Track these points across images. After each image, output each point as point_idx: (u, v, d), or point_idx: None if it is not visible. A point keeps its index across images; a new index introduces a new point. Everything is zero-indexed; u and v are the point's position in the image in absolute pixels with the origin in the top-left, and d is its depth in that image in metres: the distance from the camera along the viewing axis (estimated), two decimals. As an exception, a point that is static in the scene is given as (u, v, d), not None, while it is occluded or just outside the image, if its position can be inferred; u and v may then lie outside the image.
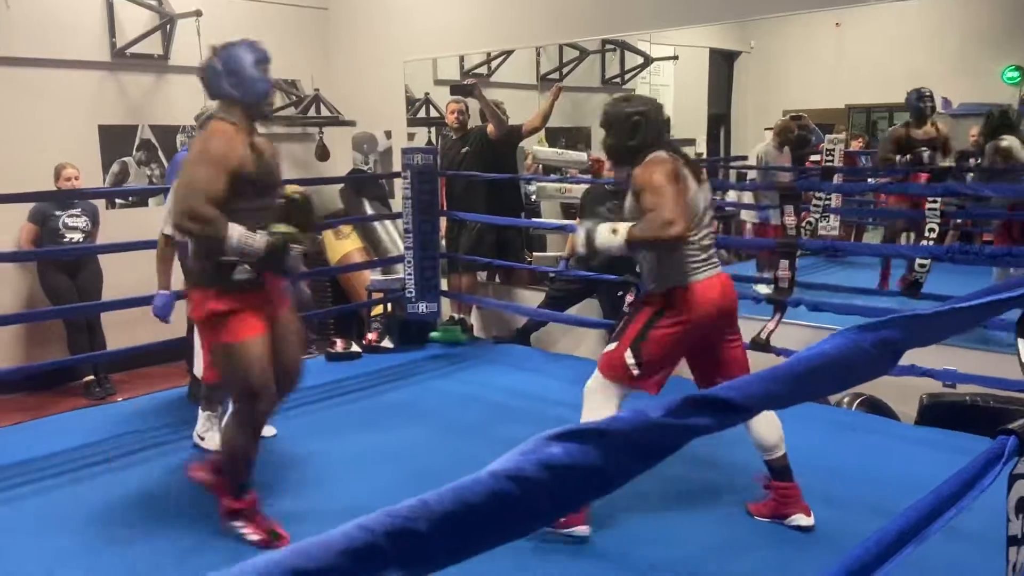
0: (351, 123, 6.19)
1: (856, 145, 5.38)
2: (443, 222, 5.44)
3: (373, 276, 5.71)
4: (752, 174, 5.72)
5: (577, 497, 0.69)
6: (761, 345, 3.88)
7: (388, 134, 6.34)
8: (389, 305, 5.45)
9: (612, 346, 2.72)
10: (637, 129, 2.66)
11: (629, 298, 4.52)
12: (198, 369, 3.66)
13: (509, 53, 6.03)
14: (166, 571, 2.64)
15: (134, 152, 5.61)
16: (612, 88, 6.43)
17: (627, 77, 6.36)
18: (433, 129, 6.40)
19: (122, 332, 5.13)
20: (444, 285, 5.52)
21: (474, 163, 5.39)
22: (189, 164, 2.49)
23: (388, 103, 6.24)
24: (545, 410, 4.11)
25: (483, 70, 6.21)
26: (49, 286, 5.05)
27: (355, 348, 5.26)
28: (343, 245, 6.19)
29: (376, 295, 5.50)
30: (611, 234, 2.59)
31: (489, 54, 6.13)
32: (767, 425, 2.68)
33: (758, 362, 3.93)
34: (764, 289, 4.32)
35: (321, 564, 0.51)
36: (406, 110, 6.28)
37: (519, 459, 0.66)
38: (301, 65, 6.37)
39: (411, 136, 6.33)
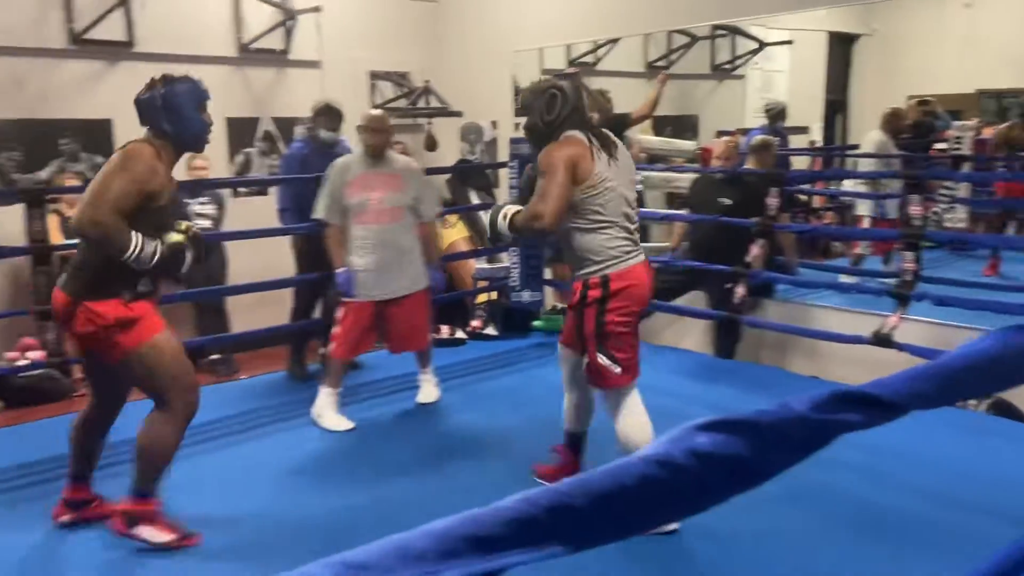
0: (458, 114, 6.29)
1: (988, 132, 5.09)
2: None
3: (478, 264, 5.81)
4: (865, 163, 5.51)
5: (723, 487, 0.70)
6: (883, 340, 3.74)
7: (494, 124, 6.41)
8: (493, 293, 5.53)
9: (584, 360, 2.77)
10: (553, 105, 2.64)
11: (739, 291, 4.44)
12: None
13: (616, 41, 5.98)
14: (309, 536, 2.79)
15: (256, 143, 5.89)
16: (722, 75, 6.29)
17: (738, 63, 6.22)
18: (539, 118, 6.43)
19: (244, 314, 5.41)
20: (548, 274, 5.56)
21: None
22: (106, 175, 2.48)
23: (495, 93, 6.31)
24: (649, 400, 4.05)
25: (590, 58, 6.19)
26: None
27: (460, 335, 5.37)
28: (449, 234, 6.31)
29: (481, 283, 5.59)
30: (503, 219, 2.71)
31: (596, 42, 6.10)
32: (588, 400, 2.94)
33: (880, 358, 3.83)
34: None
35: (491, 532, 0.55)
36: (513, 100, 6.33)
37: (668, 446, 0.68)
38: (412, 57, 6.51)
39: (517, 126, 6.38)
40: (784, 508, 2.79)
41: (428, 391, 4.20)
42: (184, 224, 2.72)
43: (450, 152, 6.62)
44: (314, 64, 6.02)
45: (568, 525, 0.60)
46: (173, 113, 2.59)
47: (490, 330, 5.42)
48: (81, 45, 5.04)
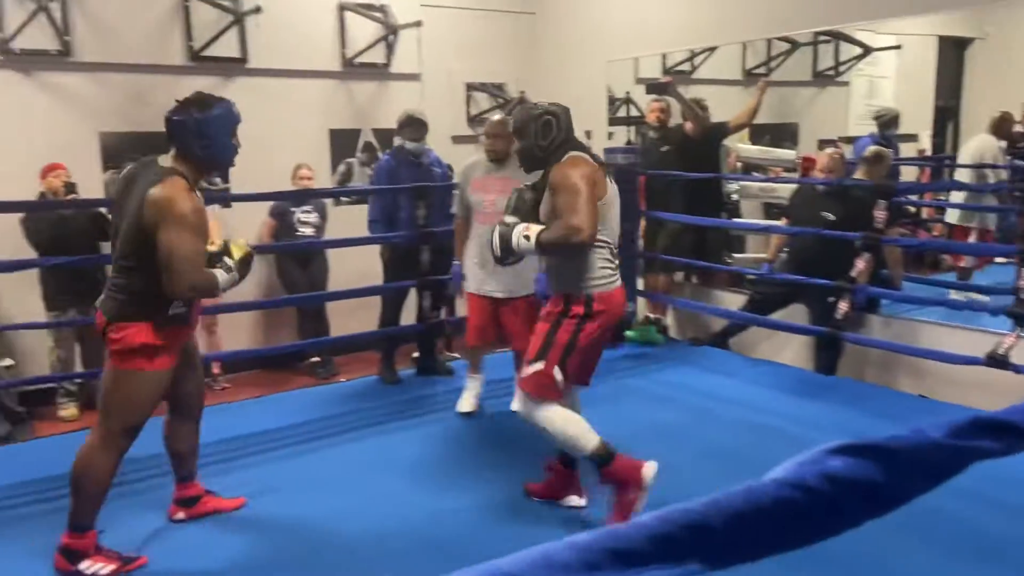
0: (553, 123, 6.34)
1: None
2: (641, 222, 5.45)
3: (571, 273, 5.82)
4: (966, 173, 5.27)
5: (857, 512, 0.71)
6: (999, 361, 3.56)
7: (588, 134, 6.42)
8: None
9: (539, 366, 2.73)
10: (548, 130, 2.67)
11: (842, 305, 4.31)
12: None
13: (714, 49, 5.91)
14: (409, 538, 2.87)
15: (358, 154, 6.08)
16: (824, 81, 6.13)
17: (842, 69, 6.04)
18: (632, 128, 6.42)
19: (344, 319, 5.59)
20: (640, 285, 5.53)
21: (673, 162, 5.36)
22: (170, 239, 2.47)
23: (589, 103, 6.32)
24: (747, 416, 4.02)
25: (686, 67, 6.14)
26: (285, 276, 5.61)
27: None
28: (542, 242, 6.36)
29: (574, 292, 5.60)
30: (524, 238, 2.65)
31: (692, 51, 6.04)
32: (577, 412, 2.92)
33: (993, 379, 3.65)
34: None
35: (632, 547, 0.57)
36: (607, 109, 6.34)
37: (800, 469, 0.69)
38: (508, 68, 6.61)
39: (610, 135, 6.38)
40: (901, 534, 2.71)
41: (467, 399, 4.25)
42: (228, 241, 2.83)
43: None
44: (414, 77, 6.18)
45: (705, 544, 0.61)
46: (206, 139, 2.58)
47: (582, 339, 5.42)
48: (199, 62, 5.33)
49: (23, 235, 4.54)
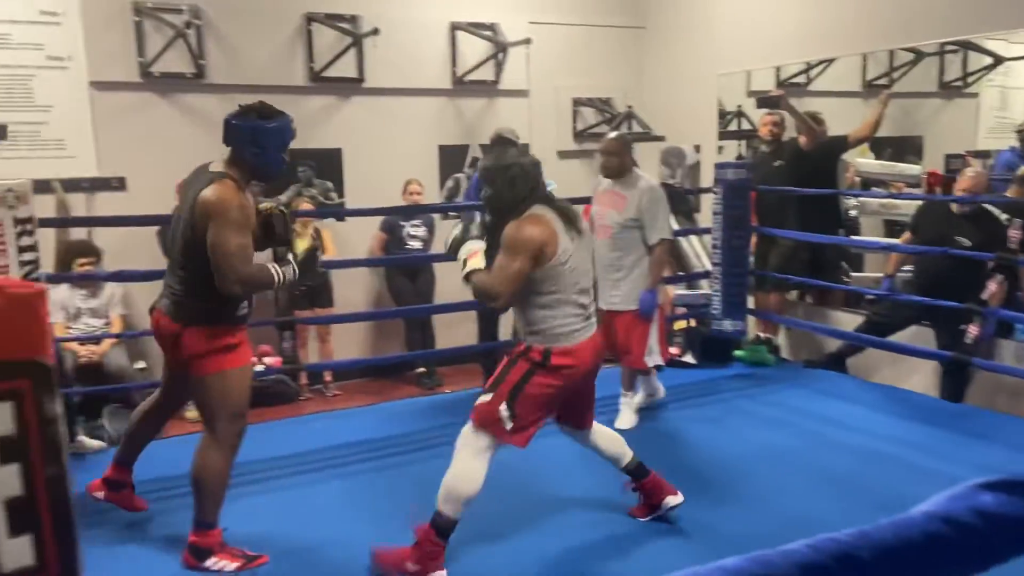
0: (661, 138, 6.27)
1: None
2: (752, 238, 5.31)
3: (677, 291, 5.73)
4: None
5: (1009, 548, 0.67)
6: None
7: (697, 148, 6.33)
8: (692, 320, 5.44)
9: (487, 397, 2.70)
10: (515, 184, 2.70)
11: (972, 329, 4.07)
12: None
13: (831, 61, 5.72)
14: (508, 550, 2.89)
15: (465, 169, 6.20)
16: (952, 92, 5.81)
17: (970, 80, 5.71)
18: (743, 142, 6.28)
19: (449, 331, 5.69)
20: (751, 303, 5.38)
21: (787, 177, 5.20)
22: (217, 237, 2.57)
23: (699, 117, 6.23)
24: (865, 443, 3.84)
25: (800, 79, 5.96)
26: (394, 288, 5.77)
27: (658, 361, 5.32)
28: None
29: (679, 310, 5.51)
30: (463, 259, 2.74)
31: (808, 62, 5.86)
32: (607, 440, 3.00)
33: None
34: None
35: (782, 574, 0.56)
36: (717, 123, 6.22)
37: (950, 503, 0.66)
38: (615, 83, 6.59)
39: (720, 149, 6.26)
40: None
41: (625, 416, 4.21)
42: (266, 205, 2.95)
43: (651, 176, 6.62)
44: (521, 93, 6.25)
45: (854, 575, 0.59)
46: (258, 147, 2.66)
47: (688, 358, 5.32)
48: (318, 82, 5.57)
49: (158, 246, 4.84)
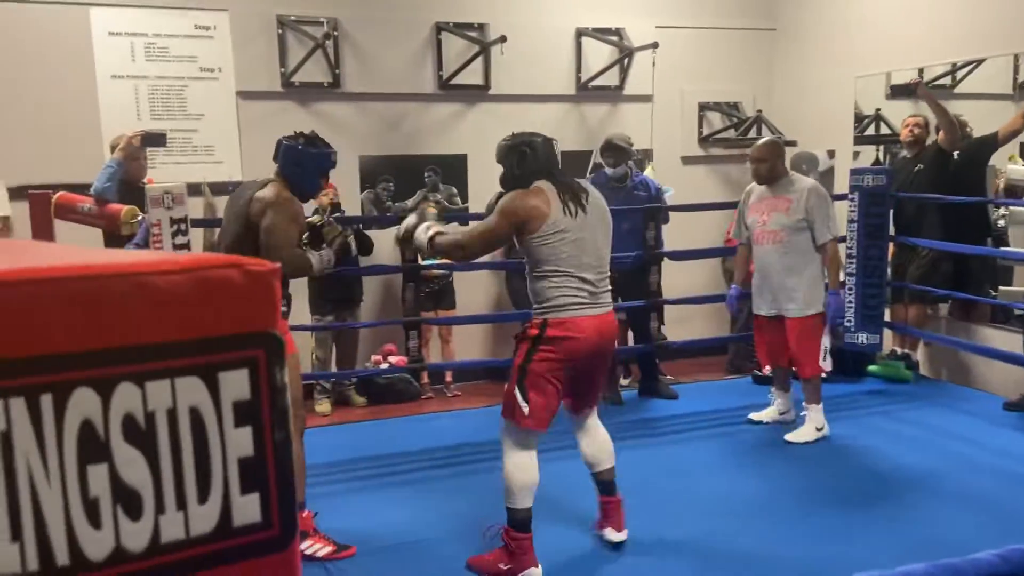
0: (792, 143, 6.06)
1: None
2: (891, 247, 5.05)
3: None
4: None
5: None
6: None
7: (831, 153, 6.08)
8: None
9: (507, 384, 2.77)
10: (523, 160, 2.75)
11: None
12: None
13: (979, 62, 5.36)
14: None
15: (588, 175, 6.19)
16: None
17: None
18: (882, 147, 5.98)
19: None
20: (887, 316, 5.12)
21: (928, 182, 4.92)
22: (276, 214, 2.88)
23: (834, 121, 5.99)
24: (1011, 466, 3.59)
25: (946, 80, 5.62)
26: (512, 290, 5.83)
27: (785, 373, 5.14)
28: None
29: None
30: (424, 231, 2.88)
31: (954, 63, 5.52)
32: (592, 441, 2.98)
33: None
34: None
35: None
36: (853, 128, 5.96)
37: None
38: (744, 87, 6.43)
39: (856, 155, 5.99)
40: None
41: (802, 429, 4.12)
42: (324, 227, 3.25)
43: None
44: (646, 98, 6.20)
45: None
46: (297, 168, 3.03)
47: (818, 371, 5.12)
48: (446, 90, 5.71)
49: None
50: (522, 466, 2.74)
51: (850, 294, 4.86)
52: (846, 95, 5.91)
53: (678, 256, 5.19)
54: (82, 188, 4.15)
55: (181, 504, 0.51)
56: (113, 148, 4.32)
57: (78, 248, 0.62)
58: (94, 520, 0.48)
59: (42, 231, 3.88)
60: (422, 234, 2.93)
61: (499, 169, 2.88)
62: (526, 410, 2.69)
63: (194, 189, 4.95)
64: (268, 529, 0.54)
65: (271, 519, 0.54)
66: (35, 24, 4.80)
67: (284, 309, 3.16)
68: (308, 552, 2.91)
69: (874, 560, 2.71)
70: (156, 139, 4.38)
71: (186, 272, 0.50)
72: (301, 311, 5.18)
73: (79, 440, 0.48)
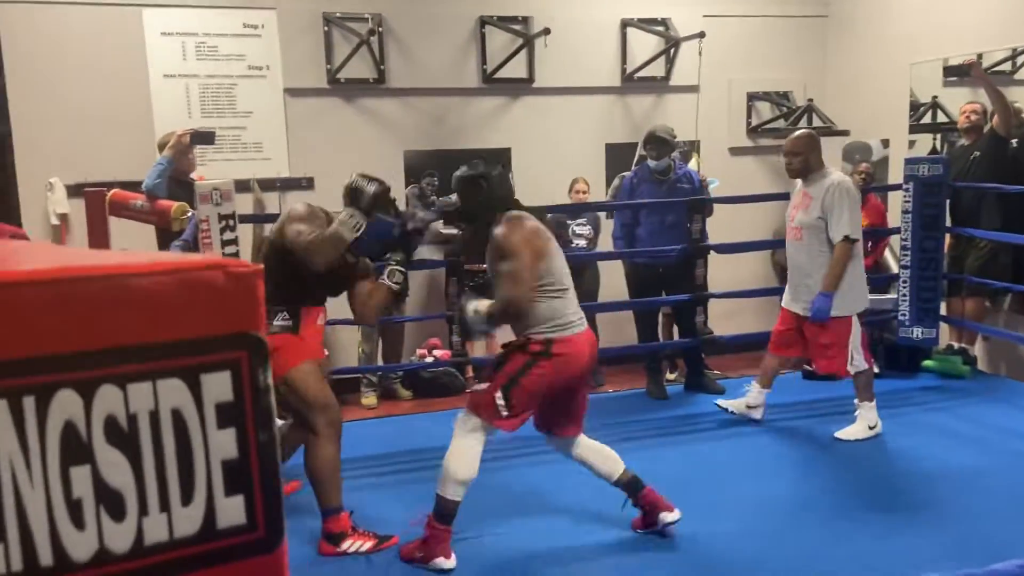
0: (844, 132, 5.91)
1: None
2: (947, 239, 4.89)
3: (859, 294, 5.38)
4: None
5: None
6: None
7: (885, 143, 5.91)
8: (877, 327, 5.08)
9: (483, 387, 2.81)
10: (479, 189, 2.82)
11: None
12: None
13: (1045, 45, 5.15)
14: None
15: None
16: None
17: None
18: (939, 136, 5.78)
19: (612, 330, 5.66)
20: (943, 309, 4.96)
21: (986, 170, 4.74)
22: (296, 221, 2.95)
23: (888, 109, 5.81)
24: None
25: (1006, 67, 5.40)
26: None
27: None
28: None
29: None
30: (474, 313, 2.79)
31: (1015, 49, 5.31)
32: (596, 455, 2.96)
33: None
34: None
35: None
36: (908, 116, 5.78)
37: None
38: (795, 76, 6.29)
39: (911, 144, 5.81)
40: None
41: (853, 427, 4.00)
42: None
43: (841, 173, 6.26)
44: (692, 89, 6.10)
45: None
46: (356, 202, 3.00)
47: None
48: (490, 84, 5.71)
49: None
50: (466, 460, 2.81)
51: (904, 287, 4.72)
52: (901, 82, 5.73)
53: (725, 249, 5.11)
54: (135, 185, 4.26)
55: (164, 506, 0.52)
56: (162, 146, 4.42)
57: (61, 250, 0.63)
58: (77, 521, 0.49)
59: (97, 228, 3.99)
60: (475, 317, 2.84)
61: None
62: (504, 414, 2.76)
63: (243, 185, 5.05)
64: (253, 531, 0.54)
65: (256, 521, 0.54)
66: (91, 25, 4.94)
67: (288, 323, 3.03)
68: (351, 551, 2.94)
69: (922, 561, 2.63)
70: (205, 137, 4.47)
71: (168, 274, 0.51)
72: (347, 305, 5.25)
73: (62, 441, 0.48)
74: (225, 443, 0.53)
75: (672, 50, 5.92)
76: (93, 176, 4.76)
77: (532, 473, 3.63)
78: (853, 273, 3.86)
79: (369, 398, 5.26)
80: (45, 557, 0.48)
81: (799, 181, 4.02)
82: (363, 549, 2.95)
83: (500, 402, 2.74)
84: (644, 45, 5.94)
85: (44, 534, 0.48)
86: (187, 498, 0.52)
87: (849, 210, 3.80)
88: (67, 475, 0.49)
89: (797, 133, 4.10)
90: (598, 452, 3.00)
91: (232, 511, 0.54)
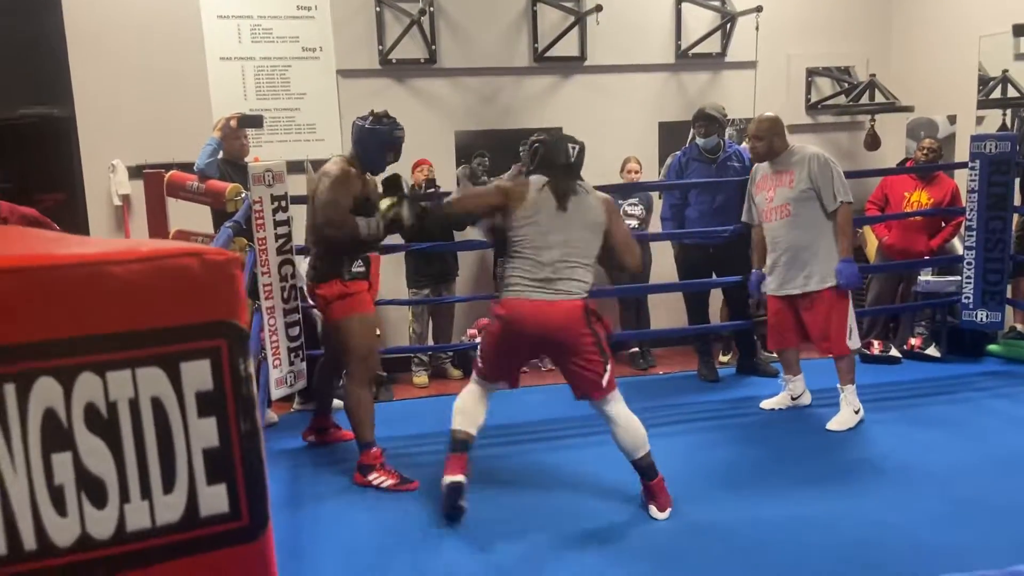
0: (908, 109, 5.69)
1: None
2: (1015, 219, 4.68)
3: (923, 276, 5.20)
4: None
5: None
6: None
7: (952, 119, 5.67)
8: (938, 310, 4.92)
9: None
10: (536, 155, 3.11)
11: None
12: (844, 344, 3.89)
13: None
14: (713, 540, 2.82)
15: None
16: None
17: None
18: (1008, 111, 5.52)
19: (663, 311, 5.60)
20: (1009, 292, 4.76)
21: (1060, 148, 4.52)
22: (324, 183, 3.29)
23: (955, 84, 5.57)
24: None
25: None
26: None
27: (894, 352, 4.88)
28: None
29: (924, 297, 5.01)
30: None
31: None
32: (626, 432, 3.01)
33: None
34: None
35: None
36: (977, 91, 5.53)
37: None
38: (856, 50, 6.07)
39: (980, 120, 5.56)
40: None
41: (840, 416, 3.89)
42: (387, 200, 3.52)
43: (894, 151, 6.04)
44: (749, 65, 5.95)
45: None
46: (362, 145, 3.41)
47: (931, 351, 4.83)
48: (541, 62, 5.65)
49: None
50: (466, 397, 3.17)
51: (969, 269, 4.54)
52: (969, 56, 5.48)
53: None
54: (193, 167, 4.36)
55: (146, 493, 0.53)
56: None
57: (41, 237, 0.64)
58: (60, 507, 0.50)
59: (155, 209, 4.10)
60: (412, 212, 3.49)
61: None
62: (480, 364, 3.16)
63: (297, 167, 5.13)
64: (237, 520, 0.55)
65: (239, 510, 0.55)
66: (150, 9, 5.05)
67: (362, 270, 3.43)
68: (375, 483, 3.33)
69: (978, 552, 2.55)
70: (253, 120, 4.55)
71: (145, 262, 0.51)
72: (399, 286, 5.30)
73: (43, 429, 0.49)
74: (206, 432, 0.54)
75: (728, 25, 5.77)
76: (153, 158, 4.89)
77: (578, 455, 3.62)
78: (833, 243, 3.82)
79: (420, 377, 5.31)
80: (29, 542, 0.49)
81: (759, 167, 4.05)
82: (385, 484, 3.32)
83: (477, 351, 3.18)
84: (699, 20, 5.80)
85: (27, 519, 0.49)
86: (168, 486, 0.53)
87: (837, 176, 3.81)
88: (49, 462, 0.50)
89: (761, 117, 4.05)
90: (621, 428, 3.02)
91: (214, 499, 0.54)
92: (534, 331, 2.96)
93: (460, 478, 2.99)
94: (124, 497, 0.52)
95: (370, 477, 3.34)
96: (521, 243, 3.00)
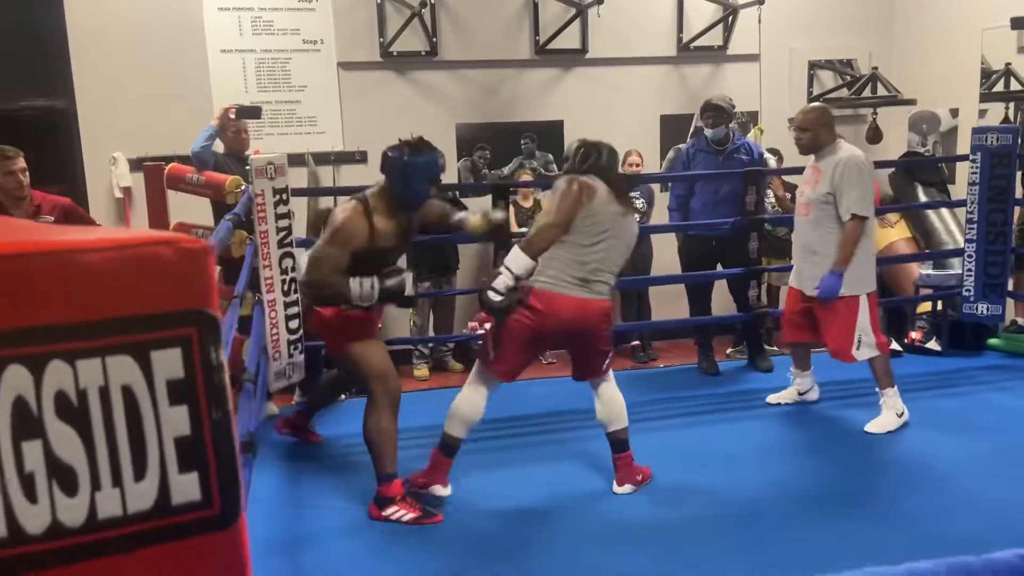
0: (911, 102, 5.67)
1: None
2: (1016, 212, 4.67)
3: (923, 270, 5.20)
4: None
5: None
6: None
7: (954, 112, 5.66)
8: (939, 303, 4.91)
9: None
10: (587, 157, 3.06)
11: None
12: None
13: None
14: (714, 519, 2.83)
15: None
16: None
17: None
18: (1012, 105, 5.50)
19: (664, 304, 5.60)
20: (1010, 285, 4.75)
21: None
22: (322, 243, 2.98)
23: (957, 78, 5.55)
24: None
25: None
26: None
27: (895, 346, 4.88)
28: (887, 234, 5.74)
29: (924, 291, 5.00)
30: (516, 255, 2.90)
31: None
32: (605, 406, 3.14)
33: None
34: None
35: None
36: (980, 85, 5.51)
37: None
38: (859, 43, 6.05)
39: (982, 113, 5.54)
40: None
41: (880, 419, 3.74)
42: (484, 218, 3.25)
43: (896, 144, 6.02)
44: (752, 58, 5.94)
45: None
46: (403, 179, 2.99)
47: (932, 344, 4.82)
48: (542, 55, 5.64)
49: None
50: (470, 402, 3.09)
51: (970, 261, 4.54)
52: (972, 49, 5.46)
53: (781, 222, 4.98)
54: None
55: (117, 481, 0.53)
56: (215, 124, 4.54)
57: (11, 225, 0.64)
58: (30, 495, 0.50)
59: (156, 201, 4.11)
60: (517, 257, 2.93)
61: (595, 137, 3.17)
62: (491, 356, 3.04)
63: (298, 159, 5.13)
64: (209, 508, 0.55)
65: (211, 498, 0.55)
66: (151, 2, 5.05)
67: (359, 304, 3.04)
68: (393, 518, 2.98)
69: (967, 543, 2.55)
70: (251, 112, 4.56)
71: (118, 250, 0.51)
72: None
73: (12, 416, 0.50)
74: (178, 420, 0.54)
75: (730, 18, 5.76)
76: (154, 150, 4.90)
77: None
78: (861, 252, 3.65)
79: (421, 370, 5.32)
80: (0, 528, 0.49)
81: (810, 157, 3.83)
82: (405, 519, 2.98)
83: (490, 344, 3.04)
84: (701, 13, 5.78)
85: (-2, 506, 0.49)
86: (140, 474, 0.53)
87: (859, 187, 3.59)
88: (19, 449, 0.50)
89: (808, 107, 3.92)
90: (606, 402, 3.17)
91: (186, 488, 0.55)
92: (571, 326, 2.99)
93: (449, 491, 3.12)
94: (95, 485, 0.52)
95: (387, 512, 3.01)
96: (573, 239, 2.95)
